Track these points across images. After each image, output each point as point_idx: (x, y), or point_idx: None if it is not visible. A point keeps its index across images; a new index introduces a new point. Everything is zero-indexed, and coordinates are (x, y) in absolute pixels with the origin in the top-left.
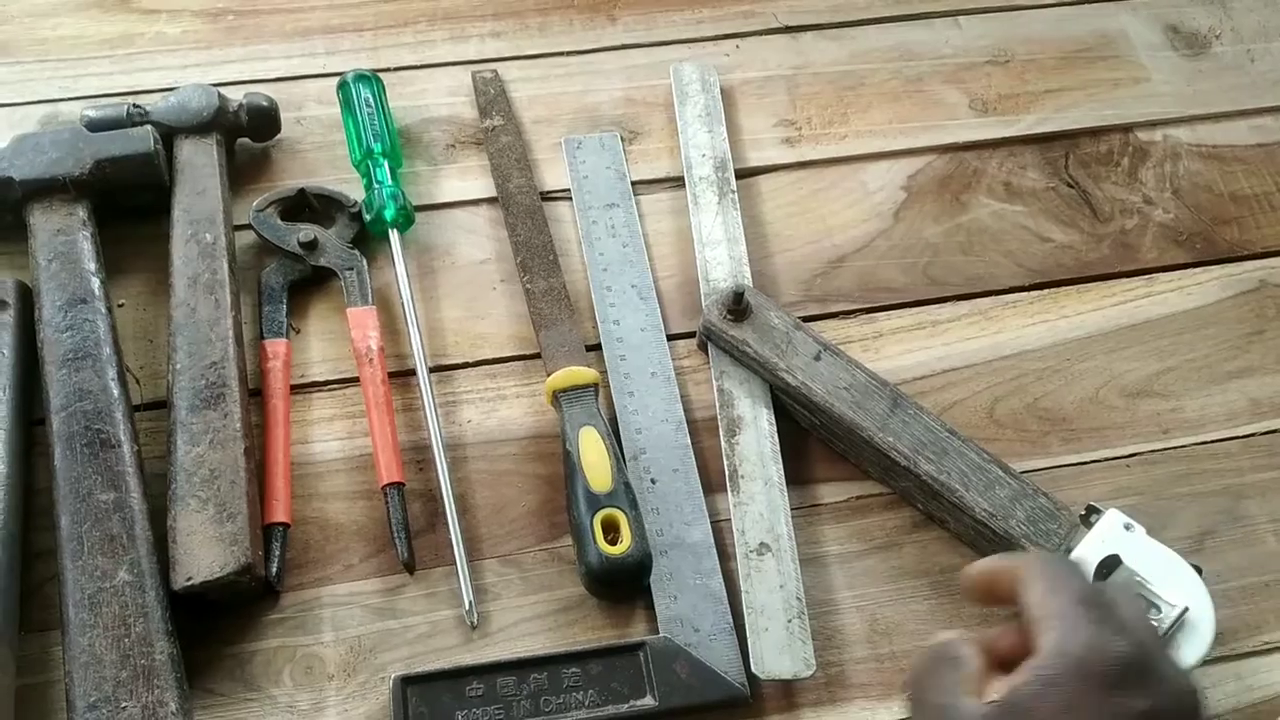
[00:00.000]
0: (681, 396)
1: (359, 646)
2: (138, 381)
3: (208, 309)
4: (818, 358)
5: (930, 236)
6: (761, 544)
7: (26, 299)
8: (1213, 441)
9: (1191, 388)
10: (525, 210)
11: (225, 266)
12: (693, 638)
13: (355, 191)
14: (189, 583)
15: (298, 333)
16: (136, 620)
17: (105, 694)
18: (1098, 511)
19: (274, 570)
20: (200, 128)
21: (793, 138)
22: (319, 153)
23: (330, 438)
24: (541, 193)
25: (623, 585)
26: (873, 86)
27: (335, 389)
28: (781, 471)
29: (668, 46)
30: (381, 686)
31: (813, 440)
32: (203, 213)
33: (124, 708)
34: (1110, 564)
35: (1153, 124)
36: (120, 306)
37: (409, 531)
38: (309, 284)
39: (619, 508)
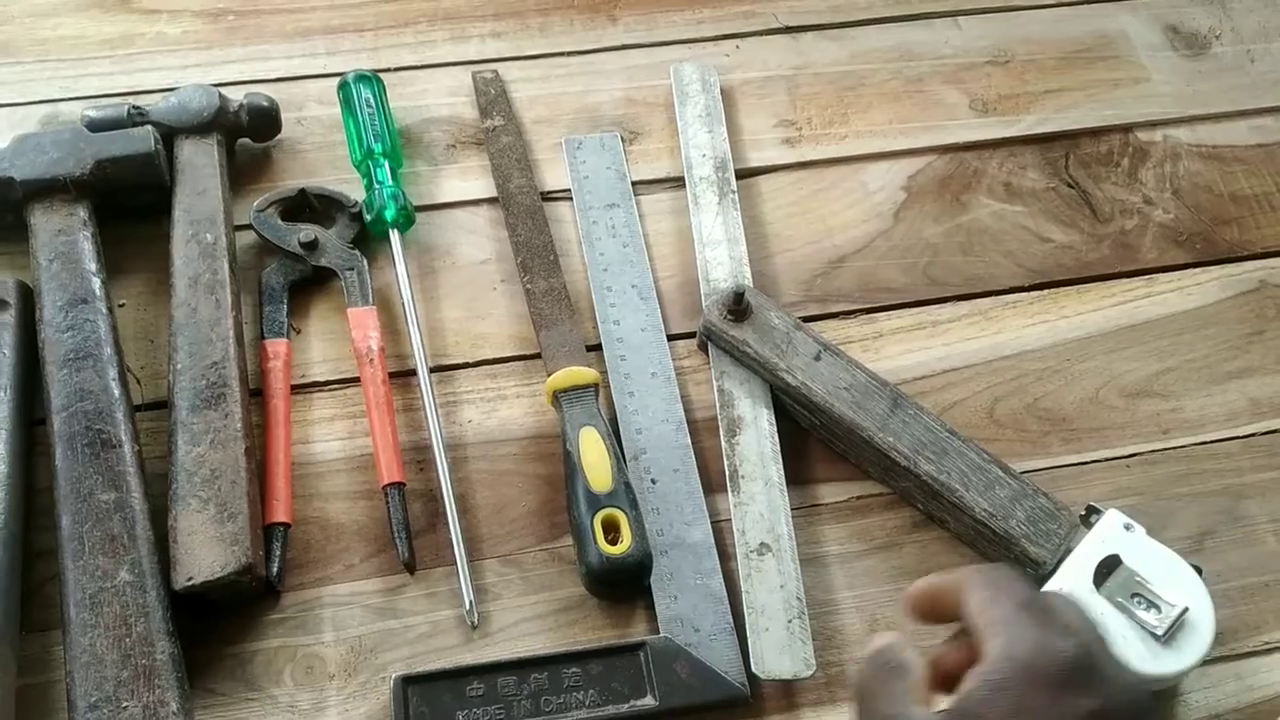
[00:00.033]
0: (682, 397)
1: (360, 646)
2: (138, 381)
3: (208, 309)
4: (818, 358)
5: (930, 237)
6: (762, 544)
7: (27, 299)
8: (1213, 441)
9: (1191, 388)
10: (526, 210)
11: (226, 266)
12: (693, 638)
13: (356, 192)
14: (190, 583)
15: (298, 333)
16: (137, 620)
17: (106, 694)
18: (1098, 512)
19: (275, 570)
20: (201, 128)
21: (793, 138)
22: (319, 153)
23: (331, 438)
24: (542, 193)
25: (623, 585)
26: (873, 87)
27: (336, 389)
28: (782, 471)
29: (668, 47)
30: (382, 686)
31: (813, 440)
32: (203, 213)
33: (125, 707)
34: (1110, 564)
35: (1153, 124)
36: (121, 306)
37: (409, 531)
38: (309, 284)
39: (619, 508)
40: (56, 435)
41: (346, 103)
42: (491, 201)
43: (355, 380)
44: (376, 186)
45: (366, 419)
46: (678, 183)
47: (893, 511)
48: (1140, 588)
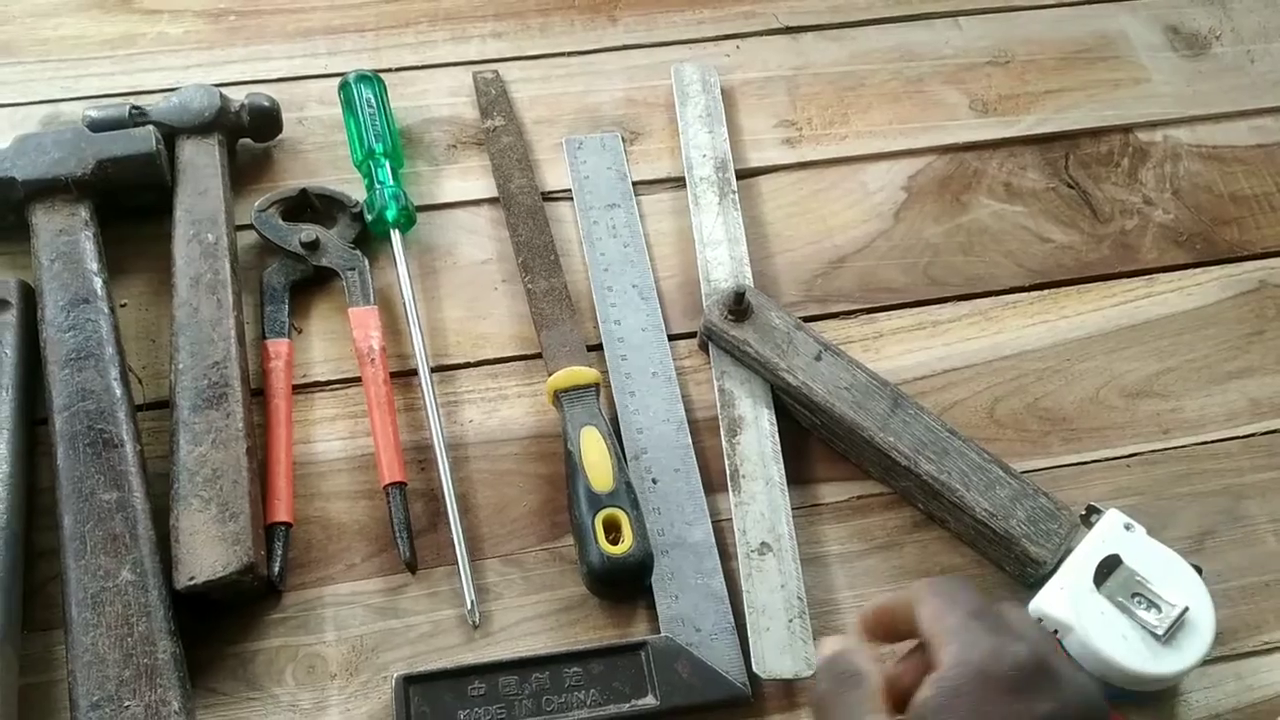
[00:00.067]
0: (683, 396)
1: (361, 646)
2: (140, 381)
3: (210, 309)
4: (818, 358)
5: (930, 237)
6: (763, 543)
7: (29, 299)
8: (1213, 441)
9: (1191, 388)
10: (526, 210)
11: (227, 266)
12: (694, 637)
13: (357, 192)
14: (192, 582)
15: (300, 332)
16: (139, 619)
17: (108, 693)
18: (1098, 511)
19: (276, 570)
20: (202, 128)
21: (793, 138)
22: (321, 153)
23: (332, 437)
24: (543, 193)
25: (624, 585)
26: (873, 87)
27: (337, 389)
28: (782, 471)
29: (668, 47)
30: (384, 686)
31: (813, 440)
32: (205, 213)
33: (127, 706)
34: (1111, 564)
35: (1153, 124)
36: (123, 306)
37: (411, 531)
38: (311, 284)
39: (620, 507)
40: (58, 435)
41: (348, 103)
42: (492, 201)
43: (356, 380)
44: (378, 186)
45: (368, 419)
46: (678, 183)
47: (893, 511)
48: (1141, 587)
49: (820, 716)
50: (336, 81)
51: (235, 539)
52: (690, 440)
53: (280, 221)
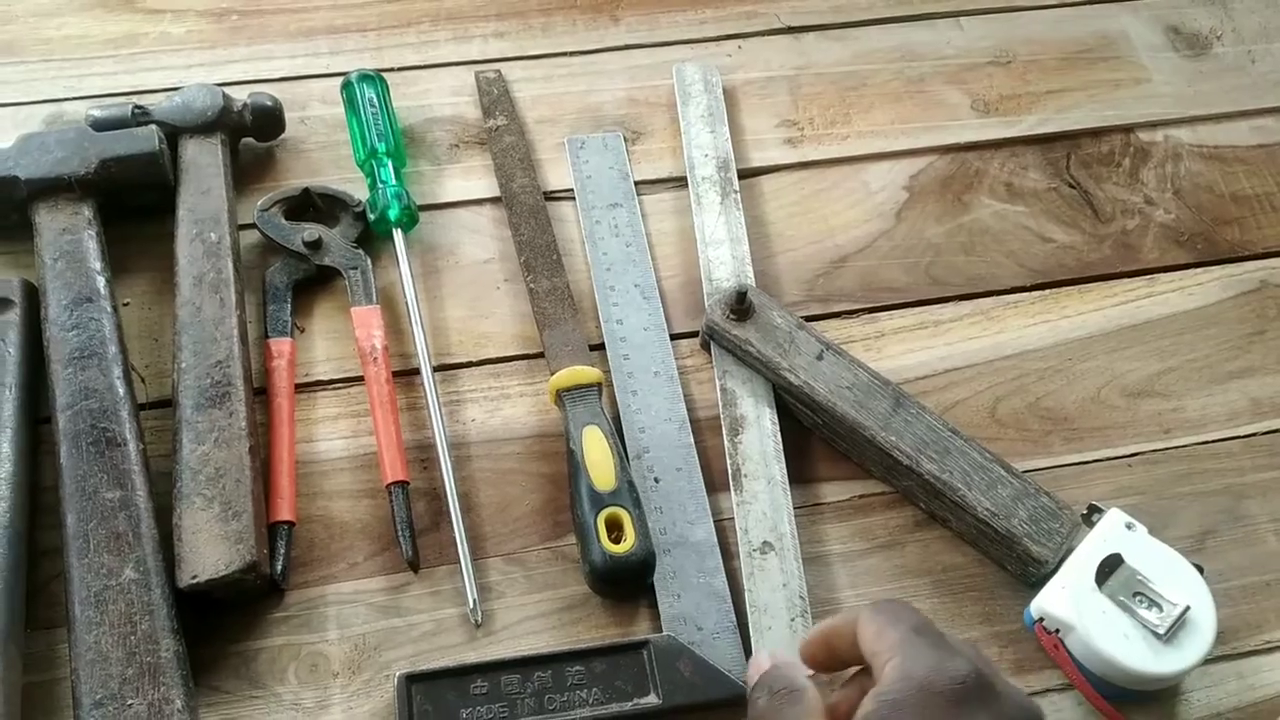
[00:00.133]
0: (684, 396)
1: (364, 644)
2: (143, 380)
3: (213, 308)
4: (820, 357)
5: (932, 237)
6: (764, 543)
7: (32, 298)
8: (1214, 441)
9: (1193, 388)
10: (529, 210)
11: (230, 266)
12: (696, 636)
13: (359, 191)
14: (194, 580)
15: (302, 332)
16: (142, 618)
17: (111, 691)
18: (1099, 511)
19: (279, 568)
20: (205, 127)
21: (795, 138)
22: (323, 152)
23: (335, 436)
24: (545, 192)
25: (626, 584)
26: (875, 87)
27: (340, 388)
28: (784, 470)
29: (670, 47)
30: (386, 684)
31: (815, 439)
32: (207, 212)
33: (130, 705)
34: (1112, 563)
35: (1154, 125)
36: (125, 305)
37: (413, 530)
38: (313, 283)
39: (622, 506)
40: (61, 433)
41: (350, 102)
42: (494, 201)
43: (359, 379)
44: (380, 186)
45: (370, 418)
46: (680, 182)
47: (895, 510)
48: (1142, 586)
49: None
50: (339, 81)
51: (238, 538)
52: (692, 439)
53: (283, 221)
